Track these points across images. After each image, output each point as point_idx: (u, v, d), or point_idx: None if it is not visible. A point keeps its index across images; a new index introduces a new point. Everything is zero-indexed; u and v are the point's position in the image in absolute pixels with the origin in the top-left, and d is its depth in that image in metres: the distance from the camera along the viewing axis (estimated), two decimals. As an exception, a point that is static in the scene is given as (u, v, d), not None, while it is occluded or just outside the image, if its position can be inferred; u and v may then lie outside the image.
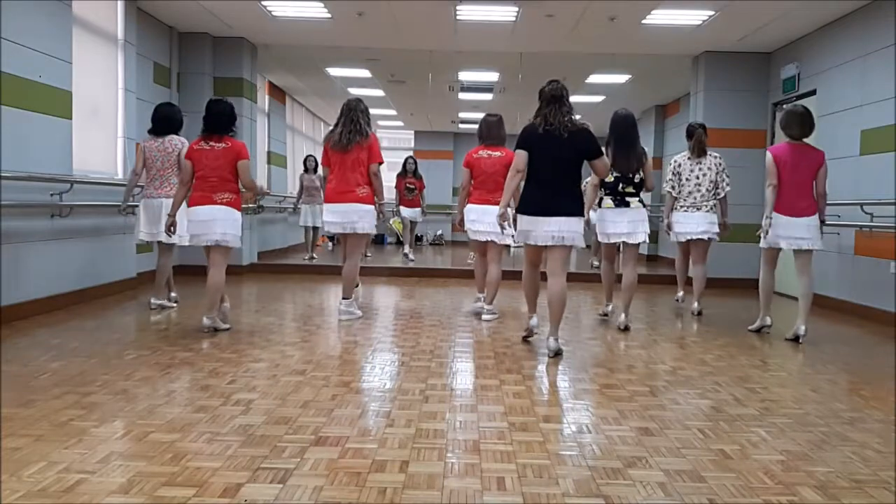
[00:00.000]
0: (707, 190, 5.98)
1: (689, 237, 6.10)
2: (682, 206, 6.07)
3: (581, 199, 4.45)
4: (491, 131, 5.78)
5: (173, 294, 6.09)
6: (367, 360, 4.24)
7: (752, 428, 3.02)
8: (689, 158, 6.06)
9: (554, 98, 4.38)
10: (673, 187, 6.11)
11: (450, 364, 4.11)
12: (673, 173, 6.13)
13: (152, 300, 5.79)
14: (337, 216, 5.44)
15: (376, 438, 2.76)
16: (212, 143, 4.83)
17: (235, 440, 2.69)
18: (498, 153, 5.67)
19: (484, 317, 5.71)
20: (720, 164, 6.01)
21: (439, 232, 16.57)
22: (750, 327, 5.48)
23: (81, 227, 5.92)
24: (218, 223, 4.78)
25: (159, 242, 5.67)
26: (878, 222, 6.01)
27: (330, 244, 13.49)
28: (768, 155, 5.06)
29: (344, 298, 5.64)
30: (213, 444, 2.63)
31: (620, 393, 3.54)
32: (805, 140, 5.07)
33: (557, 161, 4.34)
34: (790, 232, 4.98)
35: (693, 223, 6.02)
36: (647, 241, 5.52)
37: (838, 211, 6.66)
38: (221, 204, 4.81)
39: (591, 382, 3.76)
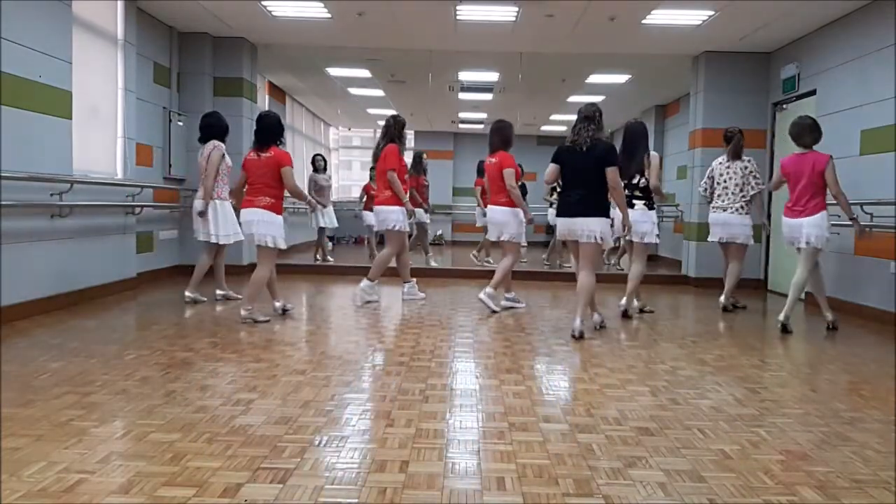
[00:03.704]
0: (733, 192, 6.39)
1: (717, 238, 6.56)
2: (713, 208, 6.57)
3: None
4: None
5: (219, 291, 6.41)
6: (368, 360, 4.24)
7: (752, 428, 3.02)
8: (720, 163, 6.52)
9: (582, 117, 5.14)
10: (705, 190, 6.67)
11: (450, 364, 4.12)
12: (708, 177, 6.66)
13: (217, 292, 6.35)
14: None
15: (376, 438, 2.77)
16: (260, 154, 5.32)
17: (235, 440, 2.69)
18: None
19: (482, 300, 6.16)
20: (746, 168, 6.37)
21: (439, 232, 16.57)
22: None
23: (81, 227, 5.92)
24: (255, 224, 5.28)
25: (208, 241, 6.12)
26: (878, 222, 6.00)
27: (330, 244, 13.48)
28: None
29: (405, 281, 6.76)
30: (213, 444, 2.63)
31: (620, 393, 3.54)
32: (814, 147, 5.48)
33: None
34: (792, 233, 5.51)
35: (718, 225, 6.51)
36: (656, 240, 6.22)
37: (838, 211, 6.66)
38: (259, 207, 5.28)
39: (591, 382, 3.76)
